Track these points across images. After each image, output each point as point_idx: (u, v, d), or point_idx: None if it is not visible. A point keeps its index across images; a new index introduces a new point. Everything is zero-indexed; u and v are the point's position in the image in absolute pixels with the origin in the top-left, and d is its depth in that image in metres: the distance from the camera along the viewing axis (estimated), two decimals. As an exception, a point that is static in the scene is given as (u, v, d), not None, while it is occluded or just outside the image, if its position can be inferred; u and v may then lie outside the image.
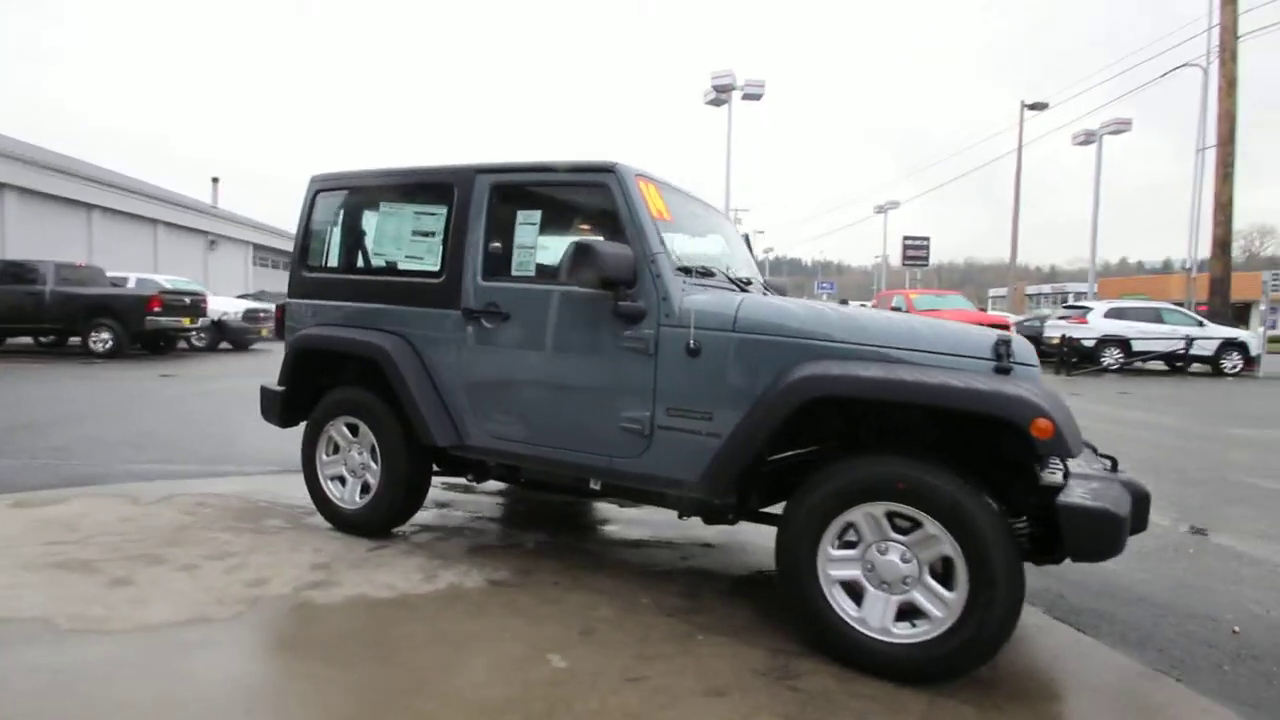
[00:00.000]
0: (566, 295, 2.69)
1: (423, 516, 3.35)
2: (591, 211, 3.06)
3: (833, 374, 2.11)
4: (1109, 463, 2.33)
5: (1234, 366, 13.30)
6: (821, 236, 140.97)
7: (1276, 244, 48.39)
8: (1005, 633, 1.94)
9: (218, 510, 3.43)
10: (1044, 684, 2.11)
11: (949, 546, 1.98)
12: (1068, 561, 2.08)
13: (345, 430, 3.16)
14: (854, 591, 2.13)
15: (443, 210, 2.99)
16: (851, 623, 2.10)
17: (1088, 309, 14.36)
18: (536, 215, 2.86)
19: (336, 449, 3.22)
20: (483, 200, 2.88)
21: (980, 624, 1.93)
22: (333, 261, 3.38)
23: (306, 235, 3.38)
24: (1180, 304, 16.76)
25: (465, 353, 2.86)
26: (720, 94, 17.55)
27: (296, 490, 3.80)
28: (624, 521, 3.57)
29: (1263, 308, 14.82)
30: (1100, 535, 1.83)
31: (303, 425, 3.31)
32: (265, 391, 3.44)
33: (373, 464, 3.09)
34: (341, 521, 3.17)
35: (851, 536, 2.14)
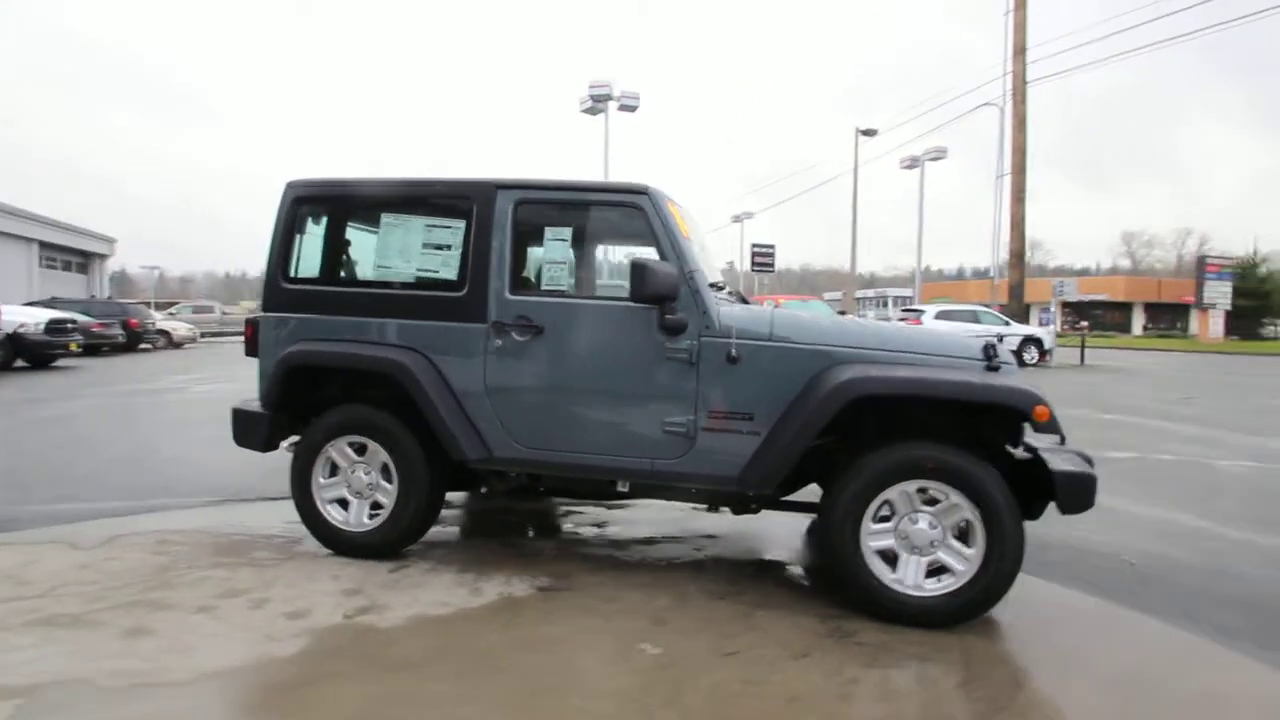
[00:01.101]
0: (606, 309, 2.85)
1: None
2: (617, 230, 3.20)
3: (874, 376, 2.49)
4: (1059, 438, 2.95)
5: (1033, 358, 16.13)
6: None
7: (1043, 254, 58.05)
8: (1012, 578, 2.43)
9: (190, 547, 3.10)
10: (1022, 617, 2.64)
11: (969, 512, 2.43)
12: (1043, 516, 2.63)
13: (349, 450, 3.03)
14: (889, 558, 2.53)
15: (459, 224, 2.99)
16: (890, 584, 2.49)
17: (921, 311, 16.65)
18: (567, 232, 2.97)
19: (334, 471, 3.07)
20: (506, 216, 2.93)
21: (996, 573, 2.40)
22: (323, 273, 3.20)
23: (286, 245, 3.17)
24: (986, 306, 19.86)
25: (493, 366, 2.88)
26: (597, 103, 17.93)
27: (262, 519, 3.56)
28: (622, 522, 3.73)
29: (1051, 308, 18.18)
30: (1086, 494, 2.38)
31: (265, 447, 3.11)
32: (242, 414, 3.17)
33: (384, 483, 2.99)
34: (345, 546, 3.02)
35: (885, 512, 2.53)
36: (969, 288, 43.02)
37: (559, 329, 2.84)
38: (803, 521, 3.49)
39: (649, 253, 3.29)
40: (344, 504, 3.06)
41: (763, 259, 40.45)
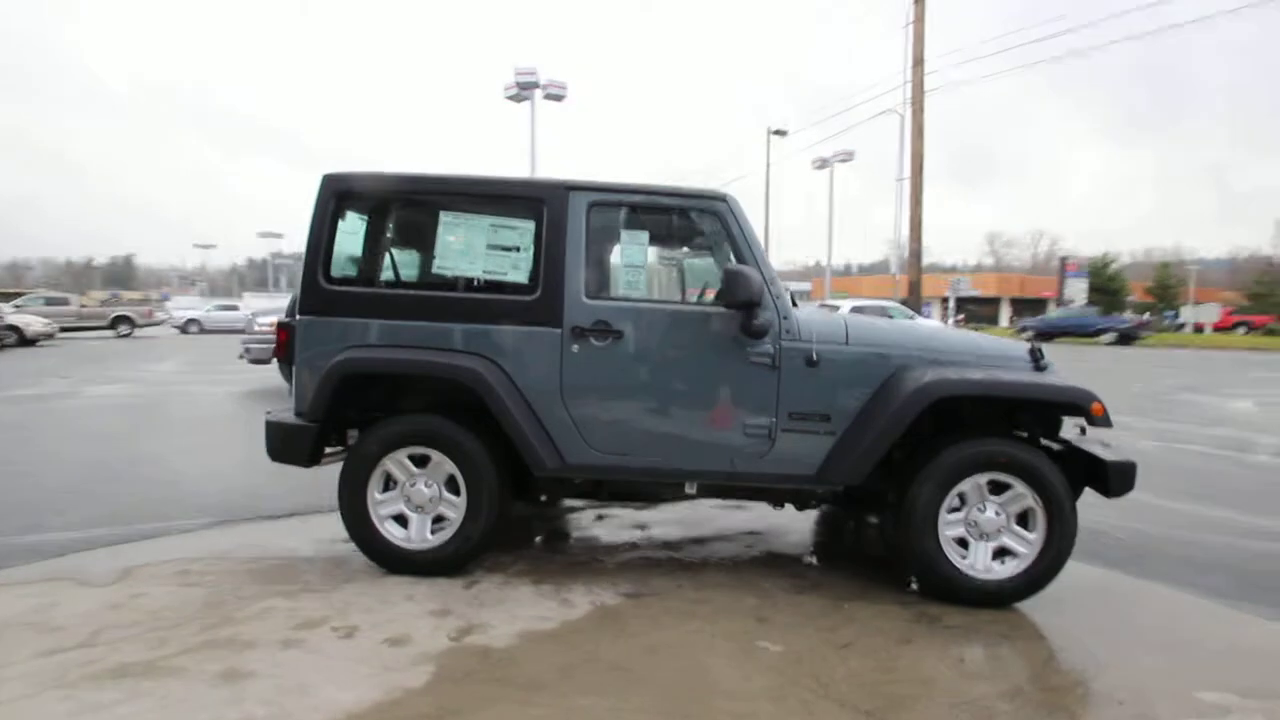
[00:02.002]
0: (688, 314, 2.88)
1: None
2: (687, 234, 3.21)
3: (952, 378, 2.69)
4: (1081, 430, 3.30)
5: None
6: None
7: (927, 254, 62.93)
8: (1066, 558, 2.71)
9: (221, 576, 2.81)
10: (1058, 589, 2.94)
11: (1031, 500, 2.69)
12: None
13: (408, 463, 2.87)
14: (960, 544, 2.75)
15: (529, 225, 2.90)
16: (963, 568, 2.72)
17: (838, 306, 17.69)
18: (644, 236, 2.95)
19: (389, 485, 2.89)
20: (580, 218, 2.87)
21: (1056, 554, 2.68)
22: (372, 274, 2.99)
23: (329, 242, 2.93)
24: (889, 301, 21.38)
25: (570, 371, 2.83)
26: (523, 90, 17.42)
27: (279, 539, 3.33)
28: (658, 523, 3.75)
29: (931, 304, 19.89)
30: (1130, 479, 2.70)
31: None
32: (280, 427, 2.91)
33: (451, 496, 2.86)
34: (406, 565, 2.86)
35: (956, 503, 2.74)
36: (863, 283, 46.05)
37: (639, 334, 2.83)
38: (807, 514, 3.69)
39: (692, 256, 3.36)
40: (401, 520, 2.90)
41: None
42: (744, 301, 2.68)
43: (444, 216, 2.94)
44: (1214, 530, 3.81)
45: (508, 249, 2.91)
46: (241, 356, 9.54)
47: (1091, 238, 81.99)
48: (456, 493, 2.86)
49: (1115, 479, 2.68)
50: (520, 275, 2.89)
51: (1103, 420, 2.69)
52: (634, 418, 2.85)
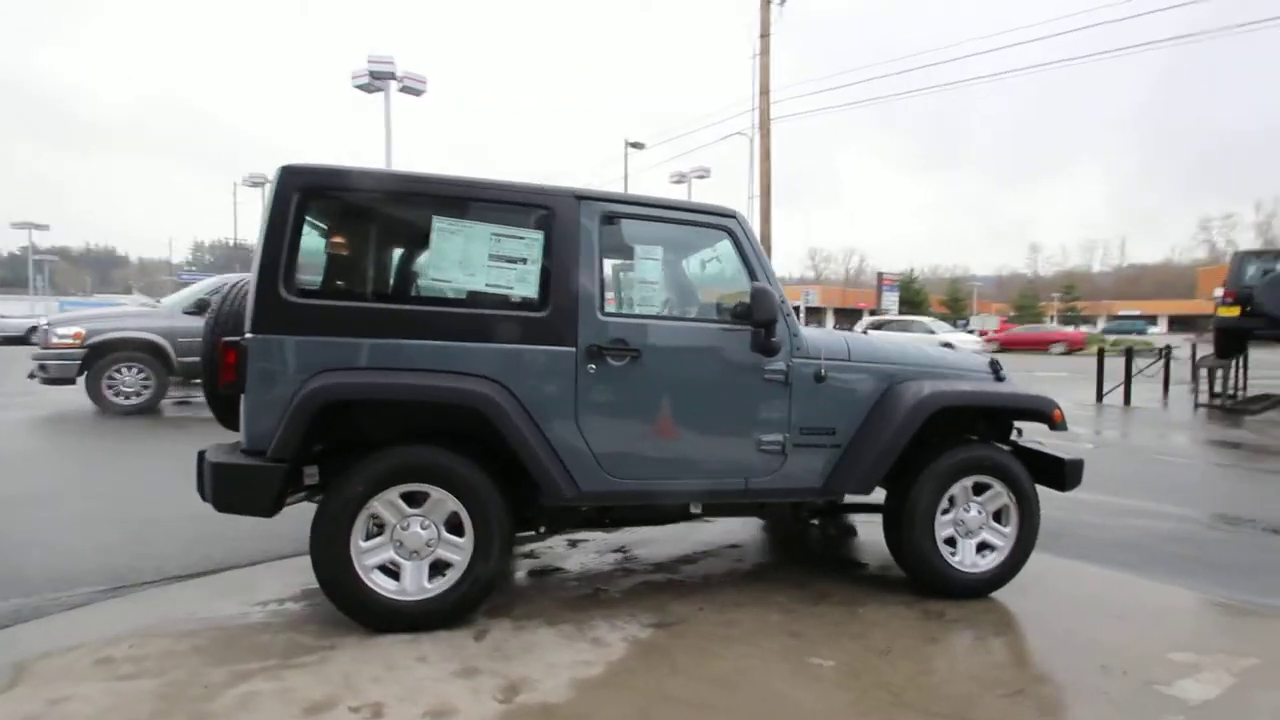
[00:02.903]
0: (703, 330, 2.83)
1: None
2: (692, 249, 3.12)
3: (951, 390, 2.91)
4: (1018, 431, 3.71)
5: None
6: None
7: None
8: (1032, 548, 3.05)
9: (165, 659, 2.23)
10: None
11: (1007, 498, 2.99)
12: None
13: (400, 503, 2.50)
14: (949, 542, 2.98)
15: (535, 235, 2.67)
16: (955, 565, 2.95)
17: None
18: (658, 251, 2.84)
19: (373, 529, 2.50)
20: (593, 229, 2.71)
21: (1025, 546, 3.00)
22: (350, 286, 2.57)
23: (291, 248, 2.47)
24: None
25: (586, 392, 2.65)
26: (376, 80, 15.90)
27: (210, 603, 2.76)
28: (636, 544, 3.63)
29: (801, 312, 21.57)
30: (1080, 474, 3.09)
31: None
32: (234, 469, 2.39)
33: (451, 537, 2.54)
34: (396, 620, 2.48)
35: (946, 505, 2.97)
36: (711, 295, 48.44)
37: (657, 352, 2.72)
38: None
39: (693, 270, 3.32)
40: (390, 570, 2.51)
41: None
42: (767, 319, 2.69)
43: (438, 222, 2.61)
44: (1115, 515, 4.48)
45: (512, 261, 2.65)
46: (33, 375, 7.75)
47: (889, 254, 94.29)
48: (458, 533, 2.54)
49: (1071, 475, 3.07)
50: (527, 289, 2.65)
51: (1061, 425, 3.07)
52: (653, 440, 2.74)
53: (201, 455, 2.53)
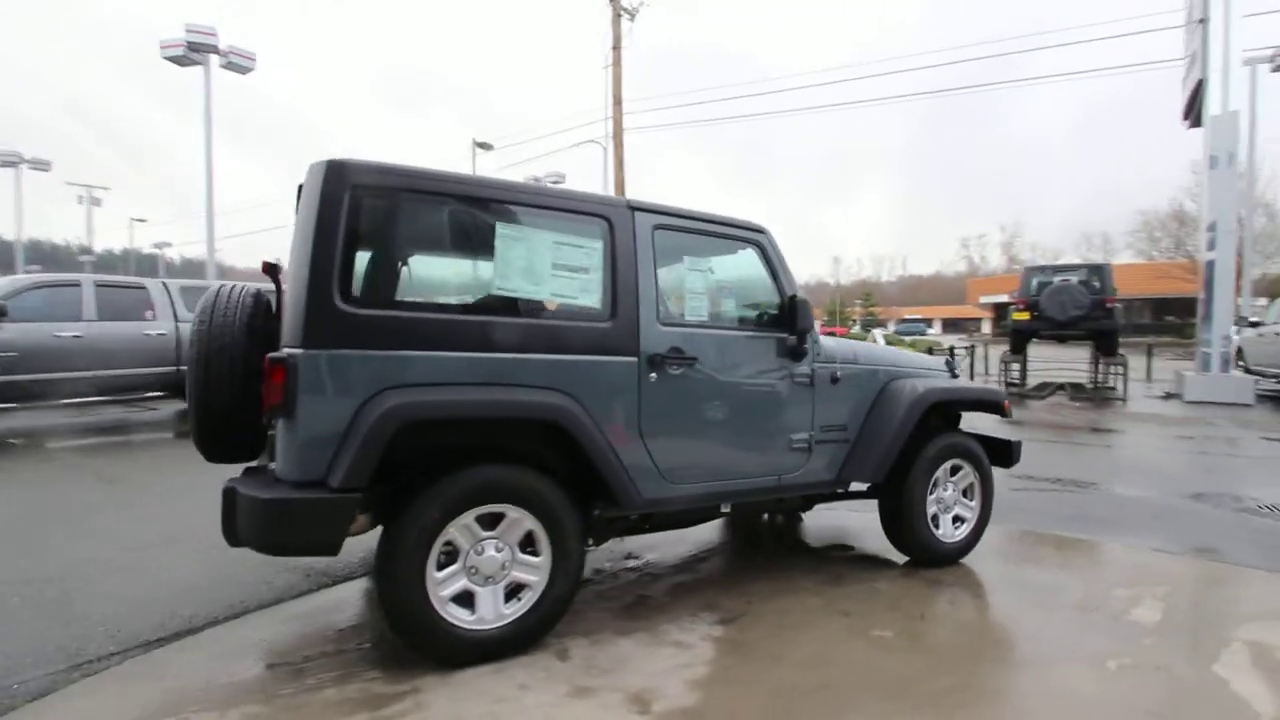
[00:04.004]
0: (750, 339, 2.98)
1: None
2: (727, 260, 3.21)
3: (940, 387, 3.35)
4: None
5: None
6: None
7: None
8: (989, 518, 3.61)
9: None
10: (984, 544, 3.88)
11: (974, 478, 3.52)
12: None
13: (475, 526, 2.35)
14: (933, 519, 3.43)
15: (596, 245, 2.65)
16: (940, 538, 3.40)
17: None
18: (705, 262, 2.93)
19: (446, 558, 2.33)
20: (648, 240, 2.75)
21: (985, 517, 3.55)
22: (408, 295, 2.35)
23: (346, 253, 2.22)
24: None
25: (649, 401, 2.68)
26: (193, 53, 13.53)
27: (226, 666, 2.38)
28: (633, 548, 3.67)
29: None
30: (1020, 454, 3.71)
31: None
32: (292, 505, 2.08)
33: (526, 557, 2.44)
34: (476, 652, 2.32)
35: (931, 486, 3.42)
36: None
37: (709, 360, 2.83)
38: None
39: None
40: (466, 600, 2.35)
41: None
42: (807, 328, 2.92)
43: (501, 228, 2.49)
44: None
45: (574, 270, 2.61)
46: None
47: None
48: (532, 553, 2.45)
49: (1016, 454, 3.68)
50: (591, 299, 2.62)
51: (1008, 414, 3.67)
52: (704, 445, 2.84)
53: (233, 492, 2.16)
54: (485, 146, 25.02)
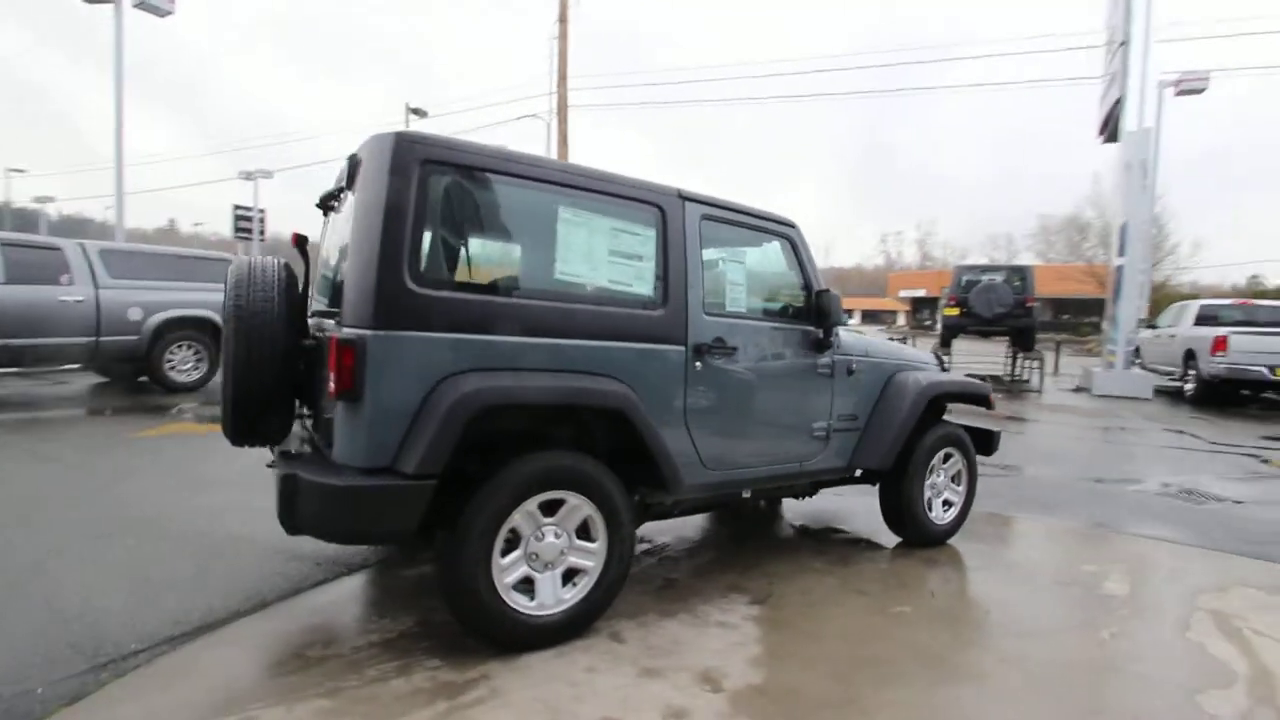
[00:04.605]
0: (782, 331, 3.07)
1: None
2: (752, 253, 3.26)
3: (942, 379, 3.58)
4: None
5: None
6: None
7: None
8: (973, 502, 3.90)
9: (312, 730, 1.82)
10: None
11: (961, 464, 3.79)
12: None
13: (537, 513, 2.34)
14: (928, 504, 3.67)
15: (650, 233, 2.66)
16: (934, 519, 3.66)
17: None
18: (744, 253, 2.98)
19: (510, 545, 2.31)
20: (696, 230, 2.78)
21: (970, 501, 3.84)
22: (472, 277, 2.28)
23: (415, 232, 2.14)
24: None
25: (693, 389, 2.73)
26: None
27: (252, 663, 2.25)
28: (658, 535, 3.73)
29: None
30: (999, 443, 4.01)
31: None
32: (367, 492, 2.01)
33: (583, 543, 2.45)
34: (536, 638, 2.33)
35: (926, 473, 3.66)
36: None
37: (747, 351, 2.91)
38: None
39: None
40: (526, 586, 2.35)
41: (246, 224, 35.46)
42: (837, 321, 3.05)
43: (563, 212, 2.45)
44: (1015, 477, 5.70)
45: (630, 257, 2.61)
46: None
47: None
48: (588, 538, 2.47)
49: (996, 443, 3.98)
50: (645, 287, 2.64)
51: (992, 407, 3.97)
52: (740, 432, 2.93)
53: (295, 478, 2.05)
54: (419, 113, 23.96)
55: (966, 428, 3.96)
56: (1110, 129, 12.19)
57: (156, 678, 2.12)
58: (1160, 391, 11.63)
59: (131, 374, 9.35)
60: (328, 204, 2.85)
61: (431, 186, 2.20)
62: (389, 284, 2.09)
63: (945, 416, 3.90)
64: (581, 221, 2.50)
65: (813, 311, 3.13)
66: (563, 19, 21.15)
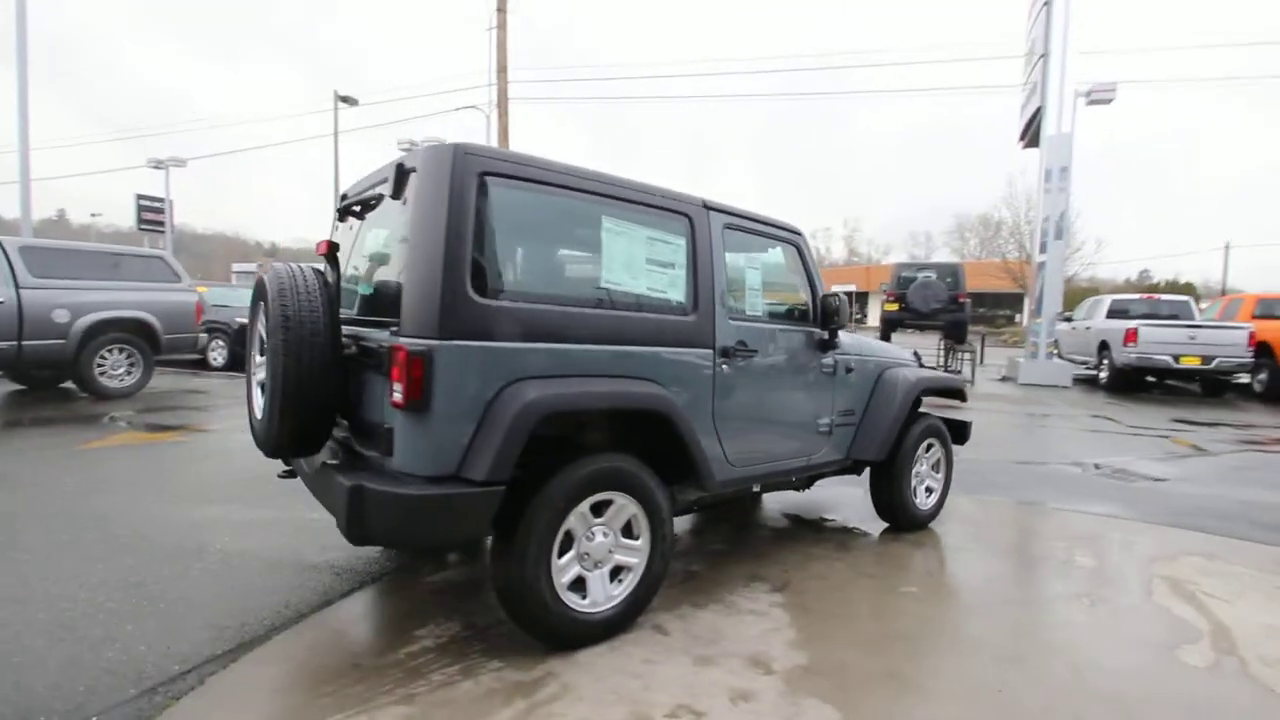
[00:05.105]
0: (792, 333, 3.25)
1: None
2: (763, 259, 3.40)
3: (929, 375, 3.85)
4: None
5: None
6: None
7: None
8: (950, 487, 4.22)
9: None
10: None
11: (940, 452, 4.10)
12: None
13: (588, 513, 2.43)
14: (913, 491, 3.96)
15: (680, 241, 2.78)
16: (921, 505, 3.95)
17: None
18: (760, 259, 3.13)
19: (563, 547, 2.39)
20: (720, 238, 2.92)
21: (948, 487, 4.16)
22: (526, 287, 2.32)
23: (477, 242, 2.18)
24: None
25: (720, 391, 2.87)
26: None
27: (301, 673, 2.31)
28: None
29: None
30: (970, 433, 4.35)
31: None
32: (441, 501, 2.03)
33: (628, 541, 2.55)
34: (588, 636, 2.42)
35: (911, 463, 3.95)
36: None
37: (765, 353, 3.07)
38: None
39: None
40: (579, 586, 2.43)
41: (152, 215, 33.29)
42: (843, 324, 3.26)
43: (606, 222, 2.53)
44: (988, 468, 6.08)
45: (664, 265, 2.72)
46: None
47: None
48: (632, 537, 2.57)
49: (968, 433, 4.32)
50: (677, 294, 2.75)
51: (966, 400, 4.30)
52: (760, 430, 3.09)
53: (362, 489, 2.05)
54: (349, 101, 23.02)
55: (945, 419, 4.28)
56: (1031, 135, 13.14)
57: (217, 698, 2.08)
58: (1078, 380, 12.68)
59: (52, 380, 8.69)
60: (350, 210, 2.82)
61: (488, 198, 2.23)
62: (452, 294, 2.12)
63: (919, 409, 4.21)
64: (622, 231, 2.59)
65: (818, 314, 3.33)
66: (501, 9, 20.81)
